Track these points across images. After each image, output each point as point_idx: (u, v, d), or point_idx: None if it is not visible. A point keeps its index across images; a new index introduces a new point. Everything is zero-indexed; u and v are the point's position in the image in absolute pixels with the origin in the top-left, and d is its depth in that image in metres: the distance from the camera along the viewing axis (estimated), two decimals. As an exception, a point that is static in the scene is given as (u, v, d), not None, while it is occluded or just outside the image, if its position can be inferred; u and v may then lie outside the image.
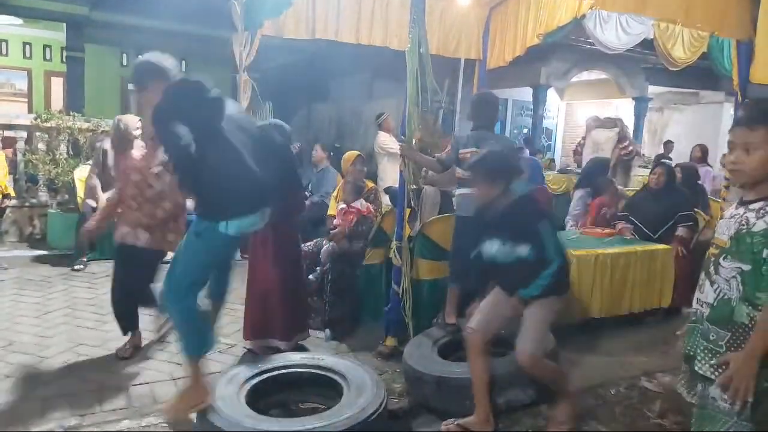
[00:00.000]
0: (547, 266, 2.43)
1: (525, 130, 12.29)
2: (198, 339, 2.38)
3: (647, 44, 5.79)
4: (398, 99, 3.85)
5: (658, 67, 8.76)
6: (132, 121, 5.23)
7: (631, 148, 7.06)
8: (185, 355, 2.38)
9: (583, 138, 8.56)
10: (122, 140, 5.12)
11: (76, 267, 5.03)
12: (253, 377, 2.56)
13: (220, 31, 6.61)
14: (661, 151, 9.68)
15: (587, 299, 3.92)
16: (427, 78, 3.30)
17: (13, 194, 5.68)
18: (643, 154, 10.48)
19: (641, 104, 10.91)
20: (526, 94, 11.28)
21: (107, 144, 5.01)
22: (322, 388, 2.66)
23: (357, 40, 4.70)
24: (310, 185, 5.99)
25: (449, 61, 5.59)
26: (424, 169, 3.99)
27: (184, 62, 11.02)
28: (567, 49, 9.09)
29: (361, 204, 4.14)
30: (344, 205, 4.16)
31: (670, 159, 7.95)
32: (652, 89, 10.92)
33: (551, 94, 10.66)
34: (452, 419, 2.58)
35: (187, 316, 2.34)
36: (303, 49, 7.84)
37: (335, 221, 4.19)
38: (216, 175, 2.22)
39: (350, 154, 4.42)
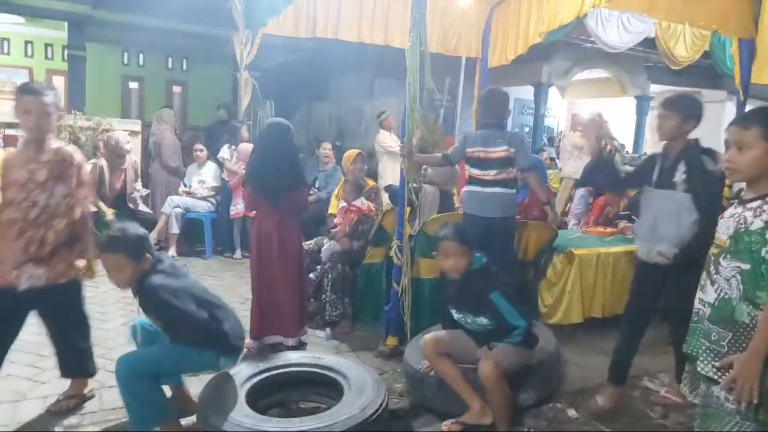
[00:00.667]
0: (515, 329, 2.50)
1: (527, 129, 12.26)
2: (144, 412, 2.25)
3: (649, 43, 5.78)
4: (399, 97, 3.85)
5: (659, 65, 8.74)
6: (122, 137, 5.43)
7: (609, 148, 6.76)
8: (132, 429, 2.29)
9: (559, 140, 8.41)
10: (114, 156, 5.33)
11: None
12: (252, 377, 2.56)
13: (222, 30, 6.61)
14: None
15: (589, 298, 3.91)
16: (426, 77, 3.28)
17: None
18: (628, 152, 10.36)
19: (643, 103, 10.88)
20: (527, 92, 11.26)
21: (103, 161, 5.21)
22: (323, 388, 2.66)
23: (358, 38, 4.70)
24: (317, 182, 6.00)
25: (450, 59, 5.58)
26: (424, 167, 3.98)
27: (185, 60, 11.06)
28: (568, 47, 9.06)
29: (362, 203, 4.13)
30: (345, 204, 4.16)
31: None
32: (654, 88, 10.89)
33: (552, 93, 10.64)
34: (451, 419, 2.58)
35: (135, 391, 2.24)
36: (303, 47, 7.83)
37: (336, 220, 4.19)
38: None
39: (351, 153, 4.42)
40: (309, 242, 4.18)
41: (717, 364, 1.64)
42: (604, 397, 2.86)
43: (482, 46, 5.11)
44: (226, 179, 5.86)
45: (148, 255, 2.32)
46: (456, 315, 2.67)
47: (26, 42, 10.10)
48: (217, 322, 2.36)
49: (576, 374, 3.24)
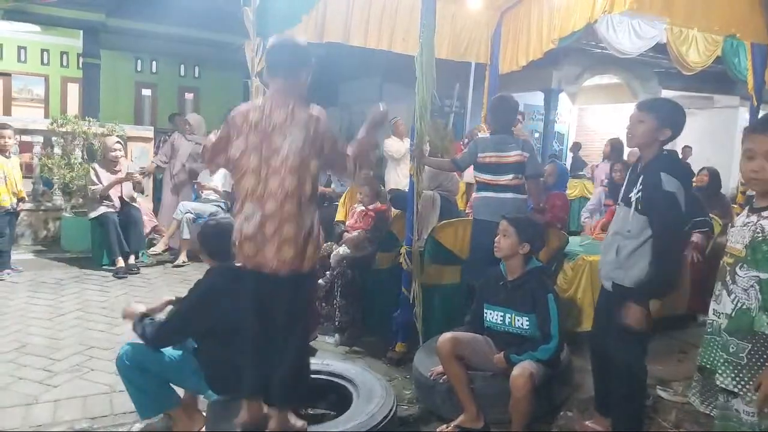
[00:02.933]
0: (548, 341, 2.49)
1: (536, 134, 12.23)
2: (143, 399, 2.31)
3: (660, 48, 5.75)
4: (408, 103, 3.86)
5: (671, 71, 8.69)
6: (111, 142, 5.50)
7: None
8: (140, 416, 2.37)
9: (465, 142, 7.52)
10: (106, 160, 5.42)
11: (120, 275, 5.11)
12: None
13: (233, 37, 6.68)
14: (680, 156, 9.54)
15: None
16: (427, 87, 3.26)
17: (26, 198, 5.75)
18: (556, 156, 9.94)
19: (655, 109, 10.80)
20: (537, 98, 11.24)
21: (96, 165, 5.45)
22: (331, 395, 2.65)
23: (366, 43, 4.72)
24: (332, 183, 6.00)
25: (460, 65, 5.58)
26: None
27: (197, 67, 11.19)
28: (579, 53, 9.05)
29: (376, 207, 4.15)
30: (362, 207, 4.15)
31: (688, 164, 7.79)
32: (665, 93, 10.82)
33: (563, 99, 10.61)
34: (445, 425, 2.59)
35: (132, 378, 2.30)
36: (313, 53, 7.87)
37: (350, 223, 4.18)
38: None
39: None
40: (318, 248, 4.19)
41: (753, 386, 1.59)
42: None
43: (491, 51, 5.11)
44: (236, 184, 5.89)
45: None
46: (495, 313, 2.65)
47: (42, 50, 10.28)
48: (222, 360, 2.30)
49: (587, 382, 3.20)
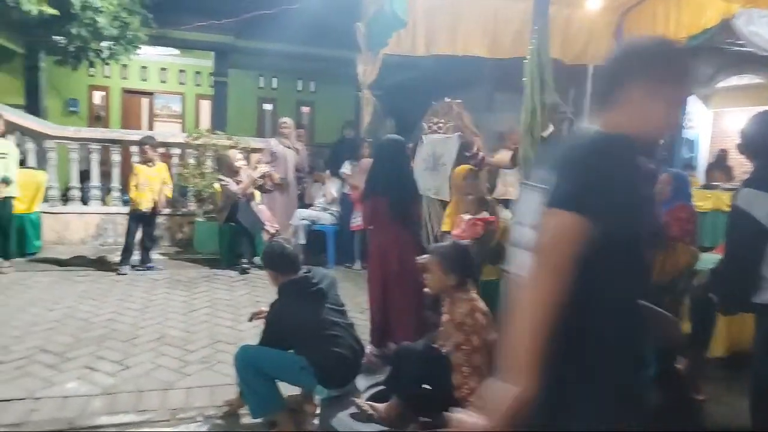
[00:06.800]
0: None
1: (661, 141, 11.30)
2: (255, 400, 2.52)
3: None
4: (519, 111, 3.79)
5: (827, 67, 7.60)
6: (233, 155, 5.97)
7: (481, 155, 4.87)
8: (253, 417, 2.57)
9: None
10: (229, 171, 5.81)
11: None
12: (369, 388, 2.63)
13: (346, 52, 6.97)
14: None
15: (737, 329, 3.48)
16: (546, 89, 3.17)
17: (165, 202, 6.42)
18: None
19: (805, 110, 9.50)
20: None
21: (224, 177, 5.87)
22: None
23: (473, 52, 4.69)
24: None
25: (574, 69, 5.35)
26: None
27: (312, 83, 11.82)
28: (710, 52, 8.19)
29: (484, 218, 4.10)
30: (470, 216, 4.13)
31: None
32: (820, 93, 9.49)
33: (694, 102, 9.70)
34: None
35: (246, 379, 2.53)
36: (422, 64, 7.97)
37: (456, 232, 4.15)
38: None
39: (460, 169, 4.40)
40: (425, 256, 4.21)
41: None
42: None
43: (612, 54, 4.84)
44: (348, 193, 6.12)
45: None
46: None
47: (180, 71, 11.45)
48: (318, 356, 2.50)
49: (721, 414, 2.89)
